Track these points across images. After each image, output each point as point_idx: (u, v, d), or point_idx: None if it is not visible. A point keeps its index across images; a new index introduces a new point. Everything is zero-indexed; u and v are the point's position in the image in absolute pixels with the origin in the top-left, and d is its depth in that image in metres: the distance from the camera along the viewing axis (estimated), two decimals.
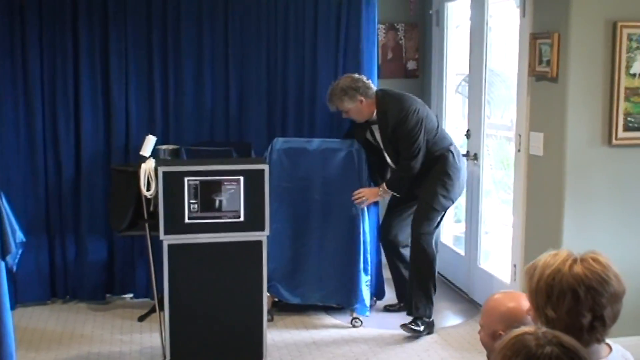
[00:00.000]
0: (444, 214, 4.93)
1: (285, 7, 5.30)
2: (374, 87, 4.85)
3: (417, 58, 6.11)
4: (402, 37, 6.07)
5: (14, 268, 3.95)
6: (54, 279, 5.42)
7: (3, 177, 5.11)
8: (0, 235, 3.71)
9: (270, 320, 4.92)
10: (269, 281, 4.88)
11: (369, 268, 5.06)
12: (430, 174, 4.81)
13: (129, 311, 5.26)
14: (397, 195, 4.94)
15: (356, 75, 4.87)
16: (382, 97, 4.82)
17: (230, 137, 5.42)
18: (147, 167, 4.20)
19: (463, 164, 4.98)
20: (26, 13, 5.15)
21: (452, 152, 4.86)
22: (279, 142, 5.00)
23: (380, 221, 5.26)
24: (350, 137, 5.07)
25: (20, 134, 5.25)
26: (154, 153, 4.61)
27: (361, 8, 5.26)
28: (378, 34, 5.55)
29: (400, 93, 4.93)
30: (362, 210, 4.97)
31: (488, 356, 2.40)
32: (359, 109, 4.78)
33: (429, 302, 4.81)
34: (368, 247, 5.04)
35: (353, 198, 4.89)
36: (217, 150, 4.99)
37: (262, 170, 4.09)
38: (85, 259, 5.35)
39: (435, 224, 4.86)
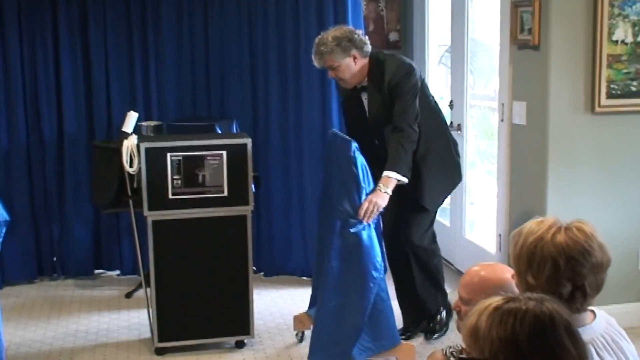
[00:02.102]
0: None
1: None
2: (369, 45, 4.04)
3: (398, 29, 6.08)
4: (384, 9, 6.03)
5: None
6: (41, 257, 5.42)
7: None
8: None
9: (300, 341, 4.32)
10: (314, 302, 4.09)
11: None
12: (425, 162, 4.10)
13: (116, 288, 5.26)
14: (406, 182, 3.90)
15: (351, 27, 4.15)
16: (377, 55, 4.06)
17: (213, 112, 5.39)
18: (130, 143, 4.16)
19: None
20: None
21: (449, 138, 4.25)
22: (330, 135, 4.09)
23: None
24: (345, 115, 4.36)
25: (1, 112, 5.21)
26: (136, 129, 4.58)
27: None
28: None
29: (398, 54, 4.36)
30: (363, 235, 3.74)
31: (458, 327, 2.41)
32: (351, 67, 3.96)
33: (439, 291, 4.33)
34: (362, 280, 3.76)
35: (360, 216, 3.71)
36: (199, 126, 4.96)
37: (245, 145, 4.07)
38: (71, 236, 5.36)
39: (431, 221, 4.28)
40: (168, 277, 4.09)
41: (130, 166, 4.16)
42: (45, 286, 5.34)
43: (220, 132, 4.85)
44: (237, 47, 5.32)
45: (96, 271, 5.52)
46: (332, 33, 3.95)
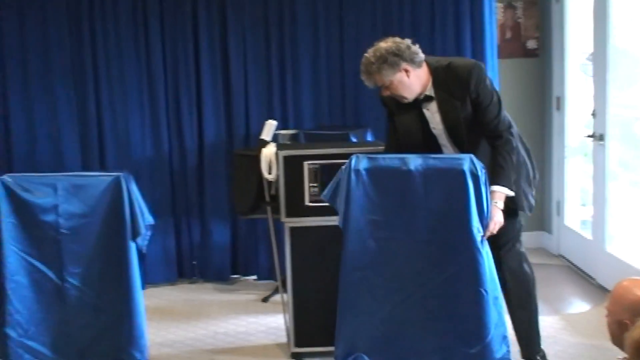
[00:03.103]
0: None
1: None
2: (421, 54, 3.62)
3: (537, 37, 5.94)
4: (521, 16, 5.92)
5: (144, 249, 4.11)
6: (181, 260, 5.64)
7: (132, 164, 5.34)
8: (131, 217, 3.86)
9: None
10: (351, 352, 3.68)
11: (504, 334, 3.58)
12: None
13: (253, 292, 5.39)
14: (512, 195, 3.65)
15: (398, 38, 3.66)
16: (438, 62, 3.68)
17: (347, 121, 5.45)
18: (268, 151, 4.26)
19: None
20: (148, 5, 5.35)
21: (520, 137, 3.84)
22: (362, 161, 3.59)
23: None
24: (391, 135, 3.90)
25: (146, 123, 5.49)
26: (274, 138, 4.68)
27: None
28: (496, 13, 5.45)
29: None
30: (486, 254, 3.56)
31: (612, 340, 2.34)
32: (404, 82, 3.57)
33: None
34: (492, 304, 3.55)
35: (485, 235, 3.53)
36: (334, 134, 5.01)
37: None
38: (209, 241, 5.55)
39: (520, 233, 3.90)
40: (305, 283, 4.15)
41: (269, 173, 4.25)
42: (186, 289, 5.54)
43: (355, 140, 4.89)
44: None
45: (233, 276, 5.68)
46: (377, 50, 3.57)
